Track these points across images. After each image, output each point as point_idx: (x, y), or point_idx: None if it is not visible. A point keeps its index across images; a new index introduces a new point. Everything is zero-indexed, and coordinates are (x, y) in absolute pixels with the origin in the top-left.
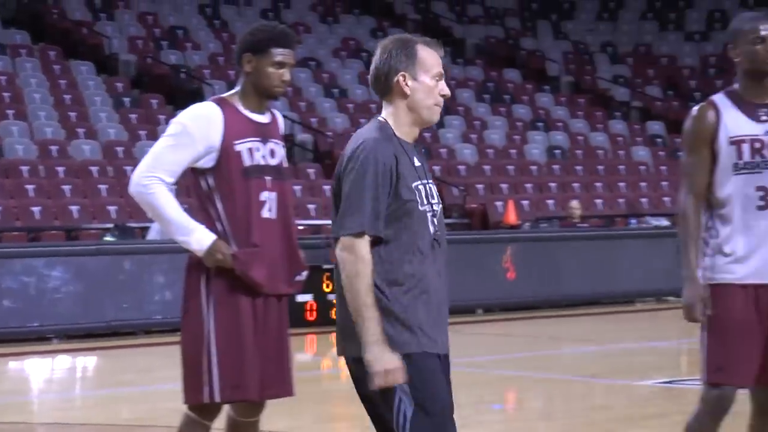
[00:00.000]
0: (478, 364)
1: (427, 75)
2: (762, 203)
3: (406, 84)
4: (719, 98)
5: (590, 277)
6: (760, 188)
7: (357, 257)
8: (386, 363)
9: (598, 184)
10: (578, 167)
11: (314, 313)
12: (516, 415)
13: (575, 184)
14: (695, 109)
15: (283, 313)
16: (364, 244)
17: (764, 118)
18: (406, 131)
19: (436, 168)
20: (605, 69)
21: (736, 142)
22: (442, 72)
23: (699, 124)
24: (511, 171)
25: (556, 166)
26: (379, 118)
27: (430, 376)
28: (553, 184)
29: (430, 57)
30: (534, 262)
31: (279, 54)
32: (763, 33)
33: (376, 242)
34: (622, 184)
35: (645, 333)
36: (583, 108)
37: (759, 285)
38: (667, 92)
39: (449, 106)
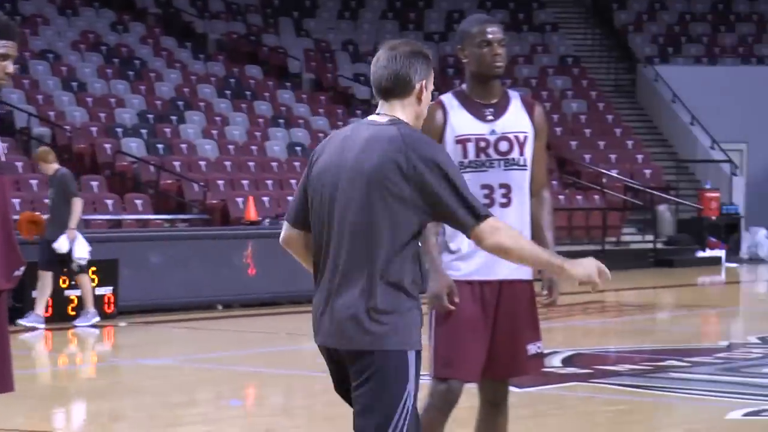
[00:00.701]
0: (217, 360)
1: (431, 88)
2: (487, 201)
3: (424, 91)
4: (447, 98)
5: None
6: (485, 186)
7: (502, 229)
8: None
9: None
10: None
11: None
12: (257, 410)
13: None
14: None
15: (2, 308)
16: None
17: (490, 117)
18: None
19: (177, 163)
20: (346, 67)
21: (462, 141)
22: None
23: (426, 124)
24: (252, 167)
25: (296, 163)
26: (396, 119)
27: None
28: (293, 181)
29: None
30: (274, 258)
31: (1, 46)
32: (489, 36)
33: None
34: None
35: None
36: (324, 105)
37: (483, 281)
38: None
39: (191, 102)
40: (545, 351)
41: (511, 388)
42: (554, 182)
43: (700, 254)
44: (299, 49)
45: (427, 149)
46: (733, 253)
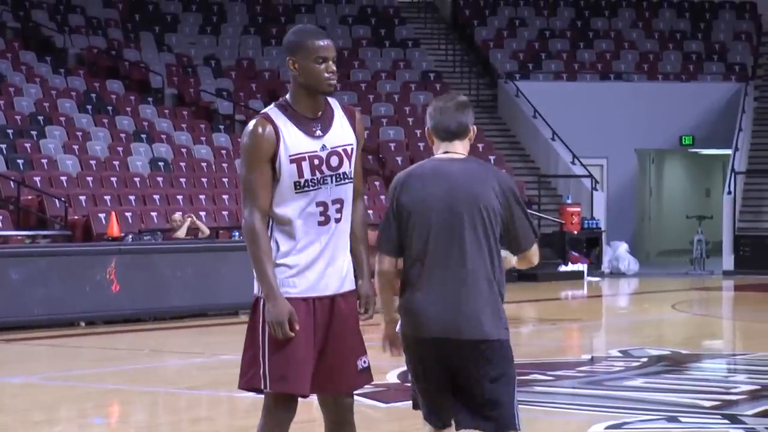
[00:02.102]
0: (79, 378)
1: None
2: (322, 218)
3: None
4: (273, 113)
5: (194, 289)
6: (320, 204)
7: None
8: None
9: (201, 197)
10: (182, 179)
11: None
12: (120, 427)
13: (179, 196)
14: (254, 125)
15: None
16: None
17: (318, 133)
18: None
19: (37, 179)
20: (209, 82)
21: (296, 160)
22: None
23: (255, 141)
24: (115, 182)
25: (159, 178)
26: (467, 156)
27: None
28: (156, 196)
29: None
30: (138, 274)
31: None
32: (325, 53)
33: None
34: (225, 197)
35: None
36: (186, 120)
37: (317, 297)
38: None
39: (51, 117)
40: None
41: (377, 403)
42: None
43: (563, 268)
44: (161, 64)
45: (507, 178)
46: (595, 267)
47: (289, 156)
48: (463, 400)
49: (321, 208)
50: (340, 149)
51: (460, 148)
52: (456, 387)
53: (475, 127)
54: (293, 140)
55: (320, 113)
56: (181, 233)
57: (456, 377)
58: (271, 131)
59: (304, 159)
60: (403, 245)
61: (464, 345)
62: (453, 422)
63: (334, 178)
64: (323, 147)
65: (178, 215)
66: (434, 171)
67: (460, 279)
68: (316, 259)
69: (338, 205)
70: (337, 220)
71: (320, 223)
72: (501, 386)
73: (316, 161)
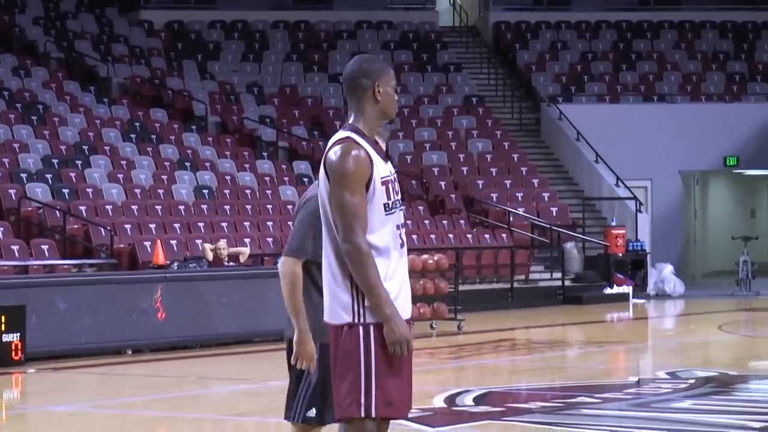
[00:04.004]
0: (126, 405)
1: None
2: (400, 241)
3: None
4: (356, 137)
5: (240, 316)
6: (399, 226)
7: None
8: None
9: (246, 223)
10: (226, 206)
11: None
12: None
13: (224, 224)
14: (349, 148)
15: None
16: None
17: (386, 158)
18: None
19: (83, 208)
20: (252, 109)
21: (385, 183)
22: None
23: (359, 167)
24: (159, 210)
25: (204, 206)
26: None
27: None
28: (201, 224)
29: None
30: (183, 301)
31: None
32: (395, 82)
33: None
34: (270, 223)
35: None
36: (230, 148)
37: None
38: (313, 132)
39: (95, 146)
40: (458, 390)
41: (424, 428)
42: (461, 221)
43: (608, 291)
44: (204, 92)
45: None
46: (640, 290)
47: (381, 178)
48: None
49: (399, 232)
50: (395, 175)
51: None
52: None
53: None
54: (378, 163)
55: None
56: (209, 257)
57: None
58: (366, 155)
59: (389, 181)
60: None
61: None
62: None
63: (400, 202)
64: (391, 171)
65: (222, 243)
66: None
67: None
68: (404, 282)
69: (404, 229)
70: (401, 245)
71: (401, 245)
72: None
73: (394, 184)
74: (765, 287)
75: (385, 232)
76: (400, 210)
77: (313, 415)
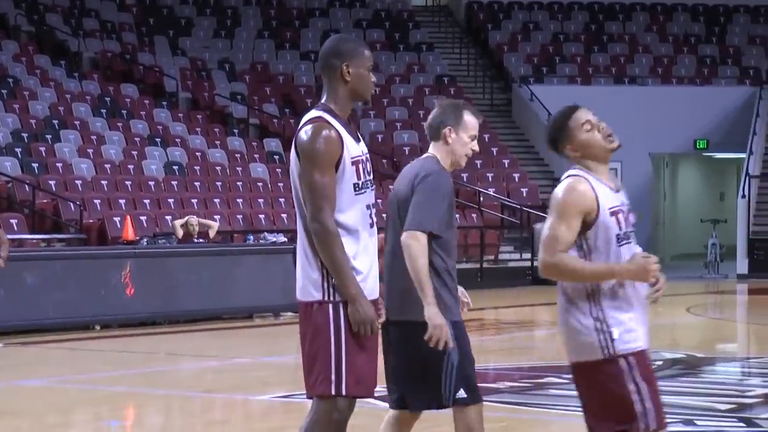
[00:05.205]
0: (94, 381)
1: (465, 134)
2: (370, 221)
3: (450, 136)
4: (328, 117)
5: (209, 293)
6: (369, 207)
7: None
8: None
9: (216, 200)
10: (197, 183)
11: None
12: (135, 431)
13: (193, 200)
14: (320, 128)
15: None
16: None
17: (359, 138)
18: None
19: (52, 183)
20: (223, 86)
21: (355, 162)
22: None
23: (329, 146)
24: (129, 186)
25: (174, 182)
26: (426, 155)
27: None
28: (171, 200)
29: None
30: (152, 277)
31: None
32: (371, 63)
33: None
34: (240, 201)
35: (262, 348)
36: (201, 124)
37: (373, 301)
38: (284, 110)
39: (66, 121)
40: None
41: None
42: None
43: None
44: (175, 68)
45: (428, 168)
46: None
47: (351, 158)
48: None
49: (370, 212)
50: (368, 155)
51: (431, 149)
52: None
53: (448, 130)
54: (349, 144)
55: (347, 119)
56: (179, 233)
57: None
58: (336, 135)
59: (360, 161)
60: None
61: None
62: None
63: (371, 182)
64: (363, 152)
65: (193, 219)
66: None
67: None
68: (372, 262)
69: (374, 210)
70: (374, 224)
71: (371, 225)
72: None
73: (365, 165)
74: (732, 270)
75: (354, 212)
76: (371, 190)
77: (465, 395)
